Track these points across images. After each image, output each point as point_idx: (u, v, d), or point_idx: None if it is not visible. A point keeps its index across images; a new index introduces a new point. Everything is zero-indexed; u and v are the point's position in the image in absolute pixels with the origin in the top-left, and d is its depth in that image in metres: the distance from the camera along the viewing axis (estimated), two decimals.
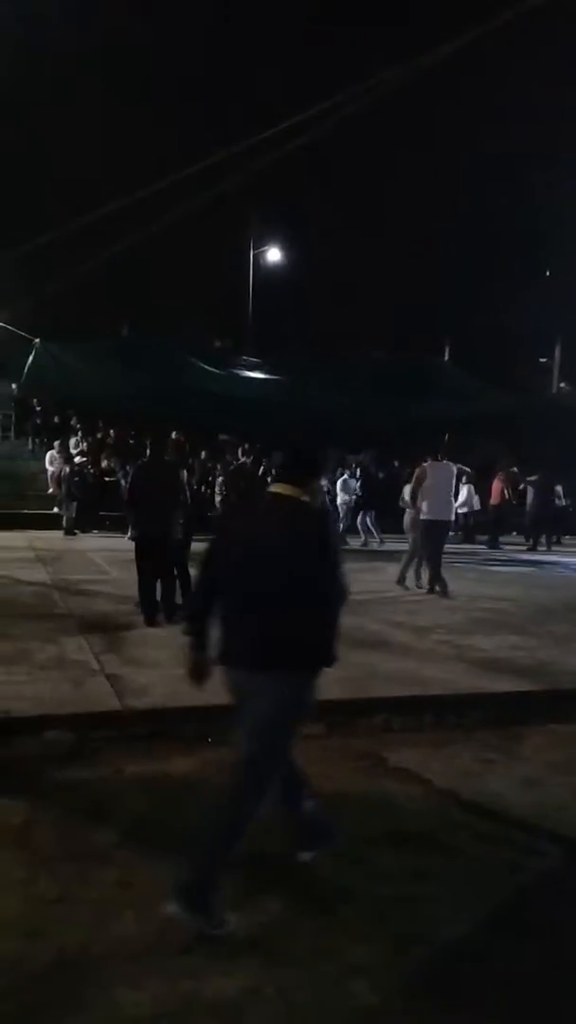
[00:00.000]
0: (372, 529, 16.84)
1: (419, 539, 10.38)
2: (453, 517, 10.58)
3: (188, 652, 3.23)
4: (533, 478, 18.33)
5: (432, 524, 10.03)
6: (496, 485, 18.15)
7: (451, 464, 10.55)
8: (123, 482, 16.19)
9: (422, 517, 10.10)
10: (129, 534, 8.25)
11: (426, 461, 10.45)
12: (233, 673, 3.10)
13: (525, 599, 9.99)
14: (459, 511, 18.33)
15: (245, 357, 24.13)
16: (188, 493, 8.09)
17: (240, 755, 3.04)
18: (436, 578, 10.06)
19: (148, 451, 8.66)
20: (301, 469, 3.25)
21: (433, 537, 10.10)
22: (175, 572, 7.85)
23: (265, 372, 22.74)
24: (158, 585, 7.73)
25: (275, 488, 3.23)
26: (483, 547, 17.43)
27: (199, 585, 3.33)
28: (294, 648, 3.00)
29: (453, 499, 10.57)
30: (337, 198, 29.30)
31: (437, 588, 10.00)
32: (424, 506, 10.04)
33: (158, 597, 7.71)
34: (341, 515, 17.51)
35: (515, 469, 18.97)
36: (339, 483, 17.64)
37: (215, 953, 2.75)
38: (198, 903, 2.84)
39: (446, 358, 31.49)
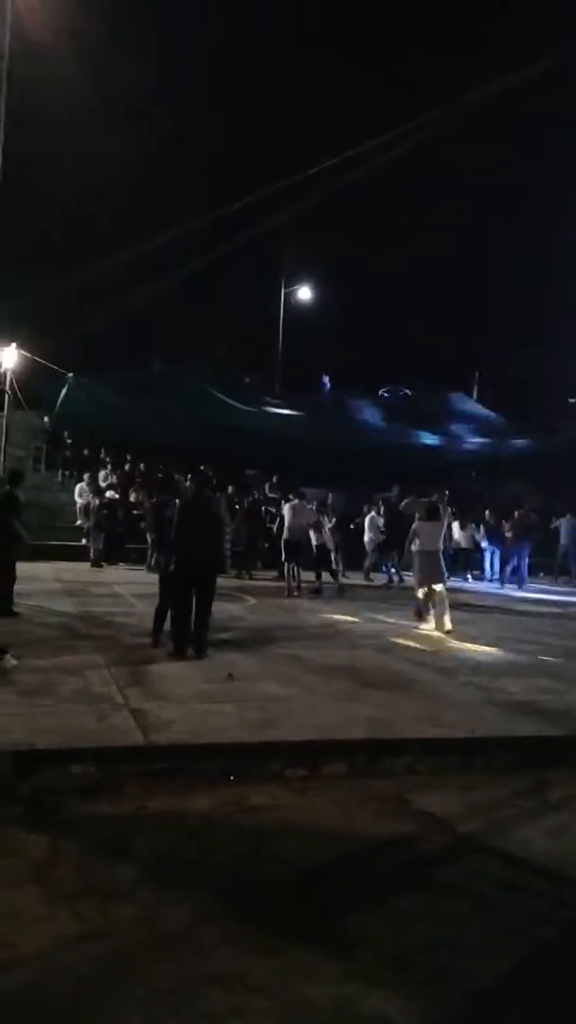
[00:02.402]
0: (389, 571, 16.89)
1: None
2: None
3: None
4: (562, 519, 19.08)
5: None
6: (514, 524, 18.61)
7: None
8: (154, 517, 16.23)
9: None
10: (164, 568, 8.23)
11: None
12: None
13: (555, 640, 9.89)
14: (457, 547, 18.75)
15: (273, 399, 24.33)
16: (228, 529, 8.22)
17: None
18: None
19: (192, 487, 8.75)
20: None
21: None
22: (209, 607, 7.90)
23: (293, 408, 22.91)
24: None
25: None
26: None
27: None
28: None
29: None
30: (370, 237, 29.68)
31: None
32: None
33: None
34: (368, 552, 17.49)
35: (533, 514, 19.44)
36: (367, 520, 17.56)
37: (233, 998, 2.72)
38: None
39: (475, 397, 31.57)
